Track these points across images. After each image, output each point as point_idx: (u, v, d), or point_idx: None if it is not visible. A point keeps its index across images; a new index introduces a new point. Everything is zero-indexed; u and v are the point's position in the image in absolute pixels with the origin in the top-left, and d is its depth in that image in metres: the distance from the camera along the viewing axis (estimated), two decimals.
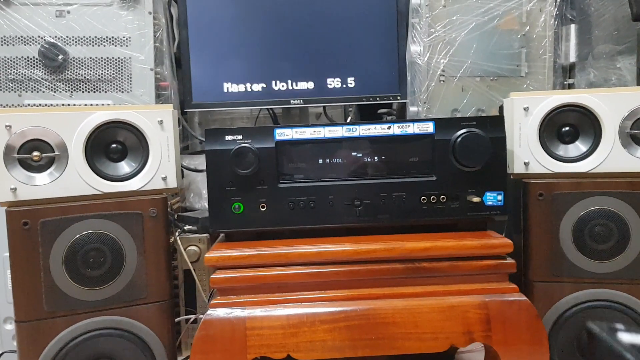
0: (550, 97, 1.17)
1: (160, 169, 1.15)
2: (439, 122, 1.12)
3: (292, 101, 1.57)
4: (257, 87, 1.57)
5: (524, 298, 1.05)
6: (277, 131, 1.12)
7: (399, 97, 1.60)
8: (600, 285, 1.14)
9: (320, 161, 1.13)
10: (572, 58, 1.67)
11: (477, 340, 1.03)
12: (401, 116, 1.75)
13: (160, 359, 1.12)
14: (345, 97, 1.59)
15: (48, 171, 1.10)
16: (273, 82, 1.57)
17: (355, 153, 1.13)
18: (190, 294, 1.54)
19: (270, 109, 1.78)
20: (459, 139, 1.10)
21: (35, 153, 1.08)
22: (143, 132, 1.14)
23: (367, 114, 1.87)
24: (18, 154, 1.08)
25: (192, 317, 1.52)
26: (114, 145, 1.15)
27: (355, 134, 1.13)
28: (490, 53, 1.60)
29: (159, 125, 1.14)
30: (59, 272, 1.07)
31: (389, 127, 1.12)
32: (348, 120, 1.88)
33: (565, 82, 1.68)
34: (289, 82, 1.57)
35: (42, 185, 1.09)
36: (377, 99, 1.59)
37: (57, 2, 1.47)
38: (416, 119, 1.34)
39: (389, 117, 1.79)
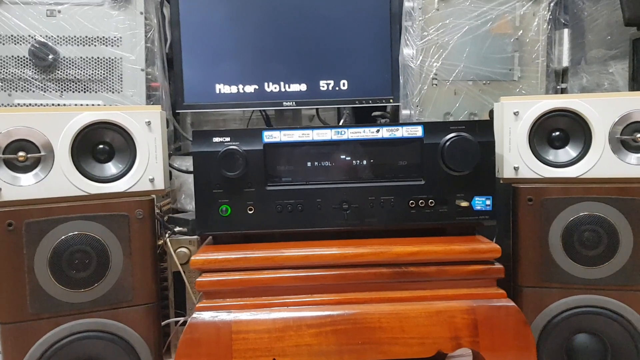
0: (540, 101, 1.16)
1: (147, 170, 1.14)
2: (427, 126, 1.12)
3: (284, 103, 1.57)
4: (250, 88, 1.56)
5: (512, 303, 1.04)
6: (265, 133, 1.11)
7: (391, 100, 1.59)
8: (590, 291, 1.13)
9: (309, 164, 1.13)
10: (565, 62, 1.66)
11: (464, 345, 1.02)
12: (395, 119, 1.75)
13: None
14: (337, 100, 1.59)
15: (33, 172, 1.09)
16: (265, 84, 1.56)
17: (343, 156, 1.13)
18: (180, 296, 1.53)
19: (263, 110, 1.77)
20: (448, 143, 1.09)
21: (21, 153, 1.07)
22: (130, 133, 1.13)
23: (362, 117, 1.86)
24: (3, 154, 1.07)
25: (182, 319, 1.51)
26: (101, 146, 1.14)
27: (344, 137, 1.12)
28: (483, 57, 1.59)
29: (146, 126, 1.13)
30: (43, 274, 1.06)
31: (377, 131, 1.12)
32: (341, 123, 1.88)
33: (558, 87, 1.67)
34: (282, 83, 1.57)
35: (27, 185, 1.08)
36: (370, 101, 1.59)
37: (48, 1, 1.46)
38: (405, 122, 1.33)
39: (382, 120, 1.79)
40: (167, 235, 1.47)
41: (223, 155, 1.08)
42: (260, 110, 1.78)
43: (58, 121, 1.09)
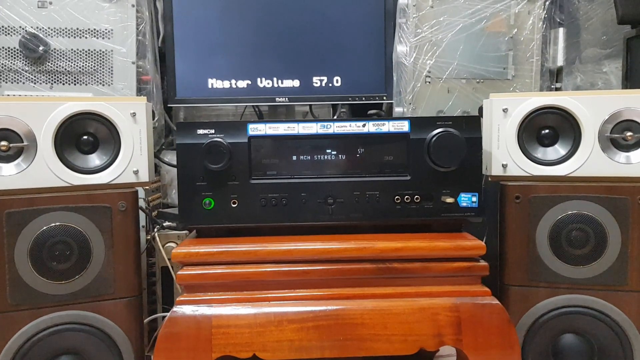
0: (529, 98, 1.15)
1: (132, 162, 1.13)
2: (414, 121, 1.10)
3: (277, 99, 1.56)
4: (242, 83, 1.55)
5: (496, 301, 1.03)
6: (251, 126, 1.10)
7: (385, 98, 1.59)
8: (577, 290, 1.12)
9: (294, 158, 1.11)
10: (560, 62, 1.65)
11: (447, 343, 1.01)
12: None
13: (127, 355, 1.10)
14: (331, 96, 1.58)
15: (15, 162, 1.08)
16: (258, 79, 1.56)
17: (329, 150, 1.11)
18: (169, 291, 1.52)
19: (256, 106, 1.76)
20: (434, 139, 1.08)
21: (3, 143, 1.06)
22: (115, 124, 1.12)
23: (358, 114, 1.84)
24: None
25: (169, 314, 1.49)
26: (85, 137, 1.13)
27: (330, 131, 1.11)
28: (477, 55, 1.58)
29: (131, 117, 1.12)
30: (24, 265, 1.05)
31: (363, 125, 1.10)
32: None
33: (552, 86, 1.66)
34: (275, 79, 1.56)
35: (9, 175, 1.07)
36: (363, 98, 1.58)
37: None
38: (391, 117, 1.32)
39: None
40: (155, 230, 1.46)
41: (207, 148, 1.07)
42: (253, 106, 1.77)
43: (41, 111, 1.09)
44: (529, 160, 1.15)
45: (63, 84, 1.48)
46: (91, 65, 1.48)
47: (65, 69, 1.47)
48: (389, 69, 1.57)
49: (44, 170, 1.08)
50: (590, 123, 1.12)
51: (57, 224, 1.06)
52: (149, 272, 1.50)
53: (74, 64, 1.47)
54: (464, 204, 1.10)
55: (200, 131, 1.09)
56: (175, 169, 1.69)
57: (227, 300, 1.03)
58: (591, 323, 1.11)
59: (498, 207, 1.17)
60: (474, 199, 1.10)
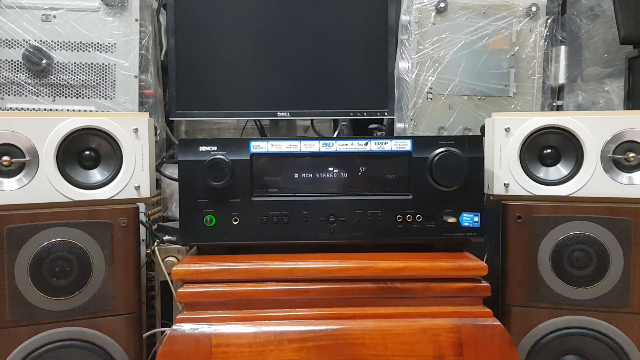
0: (532, 118, 1.15)
1: (133, 178, 1.13)
2: (416, 140, 1.10)
3: (278, 113, 1.56)
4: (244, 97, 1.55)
5: (498, 323, 1.02)
6: (253, 143, 1.10)
7: (386, 113, 1.59)
8: (579, 312, 1.11)
9: (296, 175, 1.11)
10: (562, 80, 1.65)
11: None
12: (391, 132, 1.73)
13: None
14: (332, 111, 1.58)
15: (17, 177, 1.08)
16: (260, 93, 1.56)
17: (331, 168, 1.11)
18: (168, 306, 1.51)
19: (257, 120, 1.76)
20: (436, 158, 1.08)
21: (5, 158, 1.06)
22: (117, 140, 1.12)
23: (360, 129, 1.85)
24: None
25: (168, 330, 1.49)
26: (87, 152, 1.13)
27: (332, 149, 1.11)
28: (479, 72, 1.58)
29: (133, 133, 1.12)
30: (24, 280, 1.04)
31: (366, 144, 1.10)
32: (336, 134, 1.87)
33: (553, 104, 1.66)
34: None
35: (10, 190, 1.07)
36: (365, 114, 1.58)
37: (43, 6, 1.45)
38: (394, 136, 1.32)
39: (379, 132, 1.78)
40: (155, 244, 1.45)
41: (209, 165, 1.07)
42: (254, 120, 1.77)
43: (44, 126, 1.09)
44: (531, 180, 1.15)
45: (65, 97, 1.48)
46: (94, 78, 1.48)
47: (68, 82, 1.47)
48: (391, 85, 1.58)
49: (46, 185, 1.08)
50: (593, 143, 1.13)
51: (57, 239, 1.06)
52: (148, 286, 1.50)
53: (77, 78, 1.47)
54: (466, 224, 1.10)
55: (202, 148, 1.09)
56: (176, 183, 1.69)
57: (227, 318, 1.02)
58: (593, 345, 1.10)
59: (500, 226, 1.16)
60: (476, 218, 1.10)
